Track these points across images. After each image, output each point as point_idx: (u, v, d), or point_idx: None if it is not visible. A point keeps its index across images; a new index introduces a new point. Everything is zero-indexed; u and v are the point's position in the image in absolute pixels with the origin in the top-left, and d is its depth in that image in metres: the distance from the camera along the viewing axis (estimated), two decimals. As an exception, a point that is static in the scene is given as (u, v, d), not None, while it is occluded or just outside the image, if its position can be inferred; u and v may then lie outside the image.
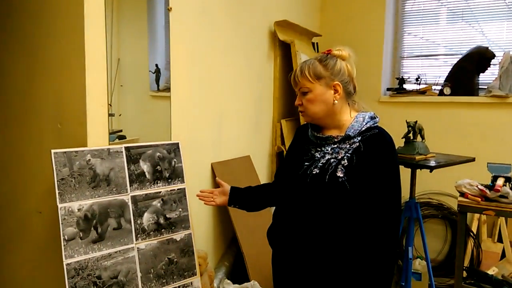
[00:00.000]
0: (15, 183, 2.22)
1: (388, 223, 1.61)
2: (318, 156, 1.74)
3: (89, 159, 1.97)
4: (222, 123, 3.17)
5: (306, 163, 1.74)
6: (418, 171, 3.05)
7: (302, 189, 1.70)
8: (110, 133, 2.43)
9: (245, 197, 1.95)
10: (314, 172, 1.69)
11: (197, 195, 1.95)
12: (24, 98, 2.12)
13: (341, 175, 1.63)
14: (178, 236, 2.28)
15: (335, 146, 1.72)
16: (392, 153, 1.66)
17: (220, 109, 3.13)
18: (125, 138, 2.50)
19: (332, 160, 1.69)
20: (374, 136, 1.68)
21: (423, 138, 3.15)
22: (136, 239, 2.09)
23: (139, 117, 2.68)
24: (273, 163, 4.04)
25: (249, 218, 3.15)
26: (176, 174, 2.33)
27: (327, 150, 1.73)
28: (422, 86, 4.29)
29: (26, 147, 2.15)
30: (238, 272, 3.19)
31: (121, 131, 2.56)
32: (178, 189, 2.32)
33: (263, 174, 3.88)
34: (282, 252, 1.78)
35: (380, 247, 1.59)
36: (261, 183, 2.09)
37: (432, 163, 2.85)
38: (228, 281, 2.99)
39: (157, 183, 2.23)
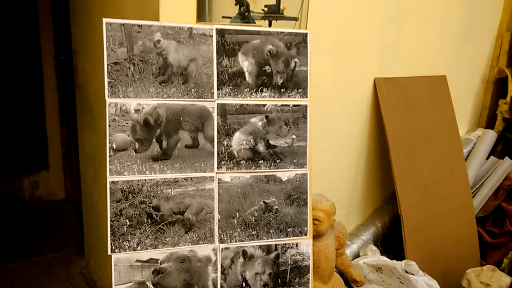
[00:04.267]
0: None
1: None
2: None
3: (159, 40, 1.40)
4: (401, 22, 2.16)
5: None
6: None
7: None
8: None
9: None
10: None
11: None
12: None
13: None
14: (285, 174, 1.59)
15: None
16: None
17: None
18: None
19: None
20: None
21: None
22: (219, 167, 1.50)
23: None
24: (488, 93, 2.80)
25: (422, 174, 2.20)
26: (295, 83, 1.57)
27: None
28: None
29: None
30: (392, 239, 2.35)
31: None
32: (295, 105, 1.58)
33: (466, 106, 2.73)
34: None
35: None
36: None
37: None
38: (374, 248, 2.21)
39: (262, 91, 1.54)
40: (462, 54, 2.57)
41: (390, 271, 1.95)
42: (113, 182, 1.39)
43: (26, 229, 3.31)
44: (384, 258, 2.06)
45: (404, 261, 1.92)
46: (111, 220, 1.40)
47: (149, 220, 1.44)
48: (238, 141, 1.52)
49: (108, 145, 1.37)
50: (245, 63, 1.51)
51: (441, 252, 2.19)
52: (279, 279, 1.60)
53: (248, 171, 1.54)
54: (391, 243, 2.34)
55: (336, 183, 2.20)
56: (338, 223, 1.93)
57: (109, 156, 1.38)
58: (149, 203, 1.43)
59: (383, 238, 2.32)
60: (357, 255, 2.21)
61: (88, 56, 2.18)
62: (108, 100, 1.37)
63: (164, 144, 1.44)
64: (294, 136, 1.59)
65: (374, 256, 2.14)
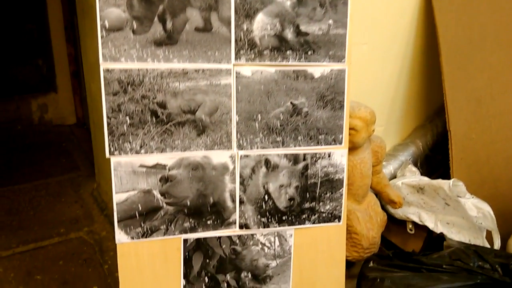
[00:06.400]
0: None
1: None
2: None
3: None
4: None
5: None
6: None
7: None
8: None
9: None
10: None
11: None
12: None
13: None
14: (318, 69, 1.33)
15: None
16: None
17: None
18: None
19: None
20: None
21: None
22: (237, 58, 1.25)
23: None
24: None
25: (476, 84, 1.90)
26: (334, -50, 1.27)
27: None
28: None
29: None
30: (433, 161, 2.12)
31: None
32: (332, -20, 1.28)
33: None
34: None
35: None
36: None
37: None
38: (414, 169, 1.98)
39: (291, -40, 1.24)
40: None
41: (434, 191, 1.73)
42: (107, 70, 1.16)
43: (35, 152, 3.20)
44: (426, 179, 1.83)
45: (452, 180, 1.69)
46: (108, 117, 1.18)
47: (154, 119, 1.22)
48: (261, 25, 1.25)
49: (99, 23, 1.13)
50: None
51: (491, 174, 1.95)
52: (307, 193, 1.40)
53: (273, 63, 1.28)
54: (432, 164, 2.11)
55: (373, 94, 1.93)
56: (376, 136, 1.69)
57: (101, 37, 1.14)
58: (153, 98, 1.21)
59: (424, 159, 2.09)
60: (393, 177, 1.99)
61: None
62: (97, -37, 1.10)
63: (169, 24, 1.18)
64: (331, 21, 1.31)
65: (413, 176, 1.91)
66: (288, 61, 1.29)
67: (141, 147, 1.22)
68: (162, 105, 1.22)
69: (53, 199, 2.57)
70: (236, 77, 1.26)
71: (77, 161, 3.09)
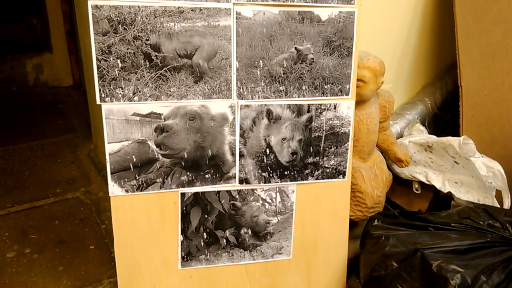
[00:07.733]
0: None
1: None
2: None
3: None
4: None
5: None
6: None
7: None
8: None
9: None
10: None
11: None
12: None
13: None
14: (326, 11, 1.22)
15: None
16: None
17: None
18: None
19: None
20: None
21: None
22: (238, -3, 1.15)
23: None
24: None
25: (491, 37, 1.79)
26: None
27: None
28: None
29: None
30: (442, 120, 2.03)
31: None
32: None
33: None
34: None
35: None
36: None
37: None
38: (422, 128, 1.90)
39: None
40: None
41: (443, 149, 1.65)
42: (96, 6, 1.07)
43: (31, 114, 3.11)
44: (435, 137, 1.75)
45: (462, 137, 1.61)
46: (98, 59, 1.10)
47: (147, 63, 1.13)
48: (264, -40, 1.15)
49: (85, -47, 1.03)
50: None
51: (502, 134, 1.87)
52: (311, 147, 1.32)
53: (277, 3, 1.18)
54: (441, 124, 2.03)
55: (381, 48, 1.82)
56: (384, 90, 1.60)
57: (89, -30, 1.04)
58: (146, 40, 1.12)
59: (432, 118, 2.00)
60: (400, 136, 1.91)
61: None
62: None
63: (163, -43, 1.08)
64: (339, -42, 1.20)
65: (421, 135, 1.83)
66: (293, 1, 1.19)
67: (134, 93, 1.14)
68: (156, 48, 1.13)
69: (49, 160, 2.50)
70: (237, 18, 1.16)
71: (73, 122, 3.01)
